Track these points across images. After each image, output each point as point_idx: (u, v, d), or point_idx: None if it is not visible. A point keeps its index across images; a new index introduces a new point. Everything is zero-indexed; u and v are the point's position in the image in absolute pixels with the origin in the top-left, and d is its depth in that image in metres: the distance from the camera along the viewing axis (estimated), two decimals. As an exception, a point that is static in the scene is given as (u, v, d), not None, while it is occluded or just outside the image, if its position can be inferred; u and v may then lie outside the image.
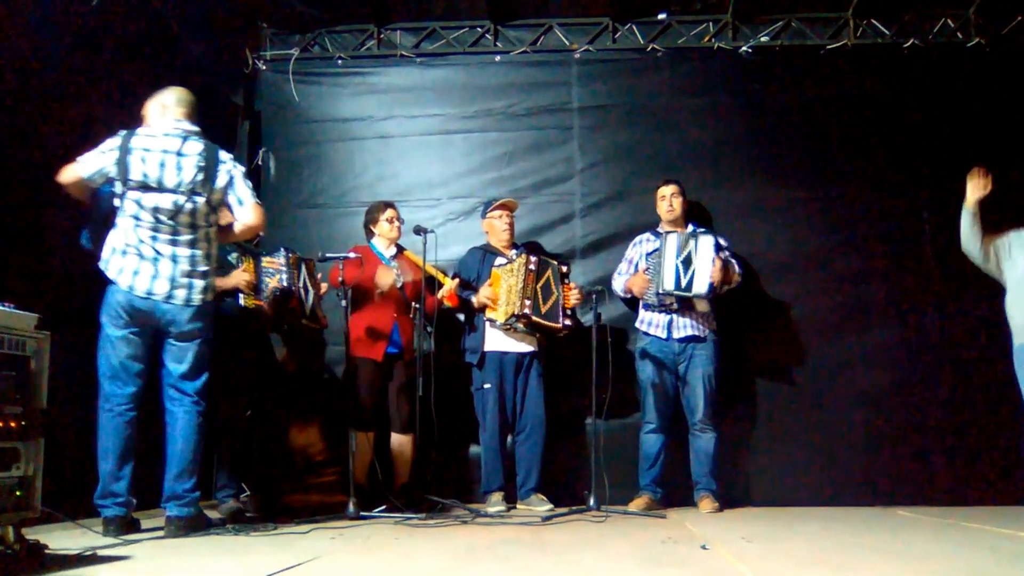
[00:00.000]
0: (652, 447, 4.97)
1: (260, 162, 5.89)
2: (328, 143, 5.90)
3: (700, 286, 4.85)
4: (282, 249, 4.73)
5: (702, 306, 4.96)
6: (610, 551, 3.24)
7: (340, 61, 5.98)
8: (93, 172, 3.65)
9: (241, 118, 5.97)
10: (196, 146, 3.74)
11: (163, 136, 3.71)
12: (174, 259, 3.69)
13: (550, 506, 4.76)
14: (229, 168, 3.80)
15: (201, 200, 3.71)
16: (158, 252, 3.67)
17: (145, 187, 3.63)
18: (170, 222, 3.68)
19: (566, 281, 5.05)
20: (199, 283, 3.75)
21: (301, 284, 4.77)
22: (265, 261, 4.67)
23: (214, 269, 3.88)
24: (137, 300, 3.63)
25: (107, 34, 4.59)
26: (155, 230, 3.67)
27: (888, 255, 5.48)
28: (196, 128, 3.80)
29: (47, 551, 2.81)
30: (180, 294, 3.69)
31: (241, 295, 4.44)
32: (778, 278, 5.47)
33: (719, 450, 4.95)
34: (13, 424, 2.76)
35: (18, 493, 2.76)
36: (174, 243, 3.70)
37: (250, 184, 3.85)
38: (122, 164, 3.63)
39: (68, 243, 3.92)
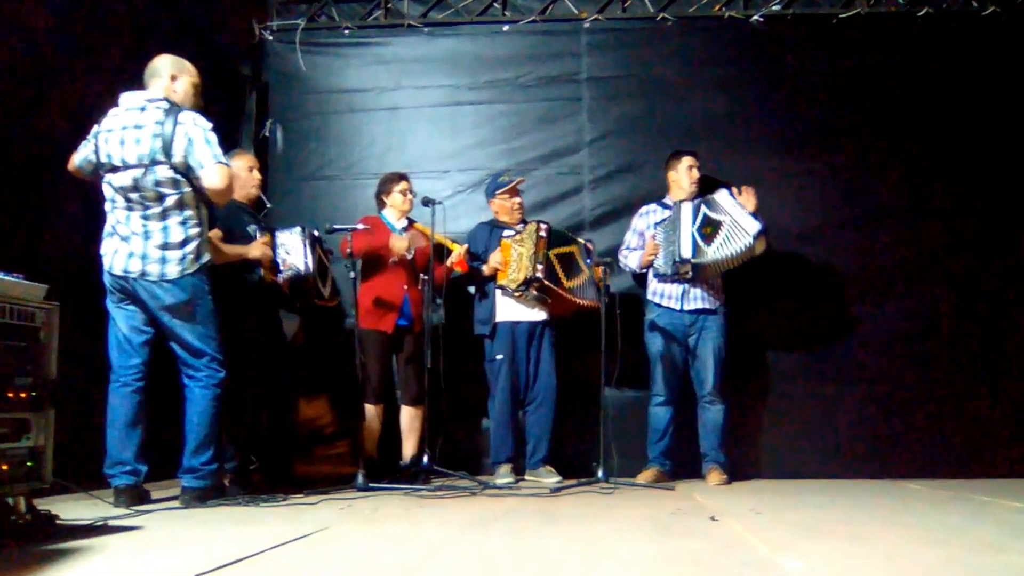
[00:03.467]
0: (661, 419, 4.96)
1: (268, 133, 5.86)
2: (335, 114, 5.86)
3: (751, 225, 4.72)
4: (298, 227, 4.73)
5: (759, 246, 4.80)
6: (618, 522, 3.24)
7: (347, 31, 5.92)
8: (80, 161, 3.72)
9: (248, 89, 5.93)
10: (154, 114, 3.61)
11: (125, 112, 3.65)
12: (146, 235, 3.62)
13: (559, 478, 4.78)
14: (187, 130, 3.59)
15: (163, 168, 3.57)
16: (132, 231, 3.63)
17: (113, 168, 3.61)
18: (137, 197, 3.60)
19: (593, 259, 5.01)
20: (175, 254, 3.64)
21: (316, 264, 4.77)
22: (281, 237, 4.67)
23: (197, 235, 3.72)
24: (119, 280, 3.64)
25: (113, 7, 4.55)
26: (128, 208, 3.63)
27: (899, 227, 5.43)
28: (158, 95, 3.68)
29: (58, 521, 2.82)
30: (153, 269, 3.62)
31: (260, 268, 4.45)
32: (788, 249, 5.41)
33: (728, 422, 4.94)
34: (23, 395, 2.77)
35: (29, 464, 2.77)
36: (146, 219, 3.62)
37: (213, 142, 3.61)
38: (96, 149, 3.65)
39: (77, 216, 3.93)
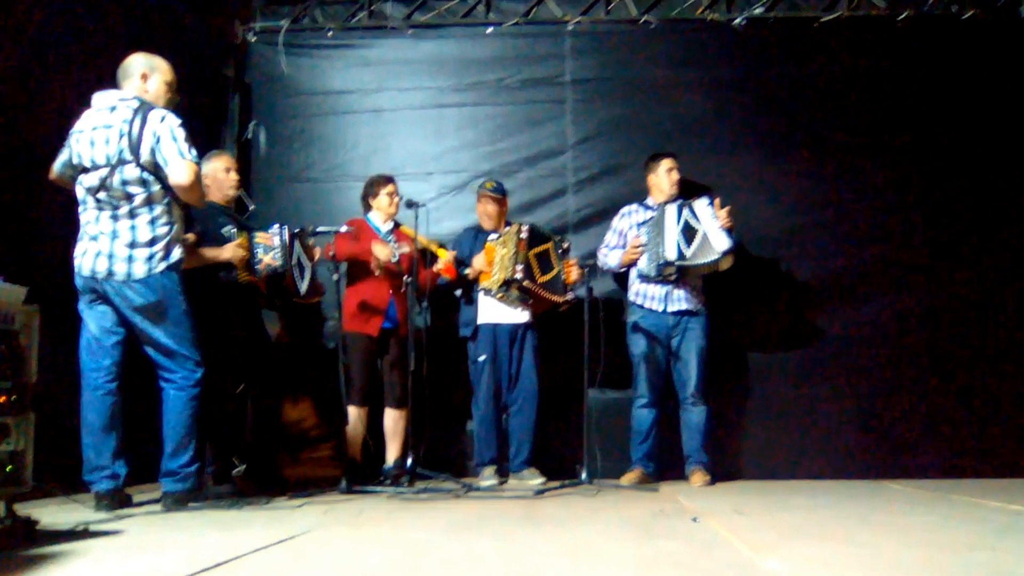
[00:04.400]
0: (644, 421, 4.97)
1: (251, 135, 5.84)
2: (319, 116, 5.85)
3: (721, 243, 4.78)
4: (276, 225, 4.69)
5: (725, 264, 4.89)
6: (602, 524, 3.25)
7: (331, 33, 5.91)
8: (59, 167, 3.69)
9: (231, 91, 5.90)
10: (123, 112, 3.58)
11: (96, 112, 3.62)
12: (113, 235, 3.59)
13: (542, 480, 4.79)
14: (155, 127, 3.54)
15: (130, 168, 3.53)
16: (101, 230, 3.60)
17: (83, 168, 3.59)
18: (105, 197, 3.57)
19: (567, 257, 5.04)
20: (142, 253, 3.60)
21: (295, 261, 4.74)
22: (259, 236, 4.63)
23: (166, 234, 3.67)
24: (89, 281, 3.61)
25: (94, 8, 4.52)
26: (98, 208, 3.61)
27: (880, 228, 5.48)
28: (128, 94, 3.65)
29: (38, 526, 2.80)
30: (120, 269, 3.58)
31: (235, 270, 4.41)
32: (770, 251, 5.46)
33: (710, 424, 4.96)
34: (3, 399, 2.74)
35: (8, 468, 2.75)
36: (114, 218, 3.60)
37: (180, 138, 3.55)
38: (69, 151, 3.63)
39: (57, 219, 3.90)
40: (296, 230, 4.77)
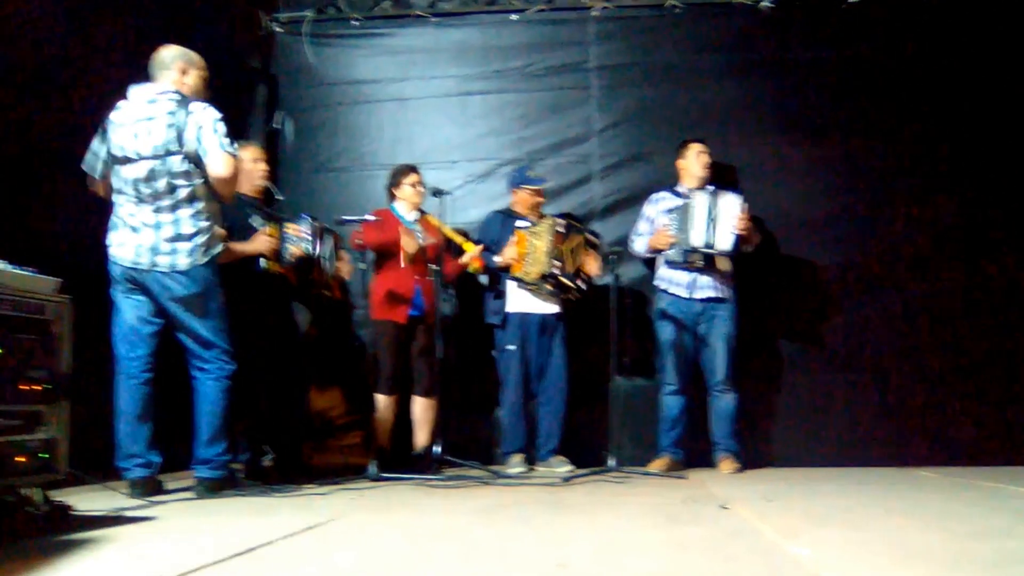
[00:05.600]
0: (672, 409, 4.96)
1: (277, 125, 5.88)
2: (344, 106, 5.86)
3: (724, 242, 4.80)
4: (306, 217, 4.73)
5: (724, 264, 4.92)
6: (629, 510, 3.25)
7: (355, 22, 5.91)
8: (88, 162, 3.71)
9: (257, 82, 5.94)
10: (166, 105, 3.62)
11: (135, 105, 3.66)
12: (157, 227, 3.63)
13: (570, 467, 4.79)
14: (198, 119, 3.60)
15: (176, 159, 3.59)
16: (143, 222, 3.64)
17: (126, 160, 3.62)
18: (148, 189, 3.61)
19: (591, 250, 5.02)
20: (185, 246, 3.64)
21: (326, 254, 4.77)
22: (289, 228, 4.67)
23: (208, 228, 3.73)
24: (128, 271, 3.65)
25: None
26: (138, 200, 3.64)
27: (910, 215, 5.39)
28: (168, 88, 3.69)
29: (73, 512, 2.86)
30: (164, 261, 3.62)
31: (264, 260, 4.45)
32: (799, 237, 5.40)
33: (739, 411, 4.94)
34: (37, 387, 2.79)
35: (44, 455, 2.80)
36: (157, 211, 3.63)
37: (221, 131, 3.61)
38: (105, 143, 3.66)
39: (87, 209, 3.94)
40: (327, 226, 4.79)
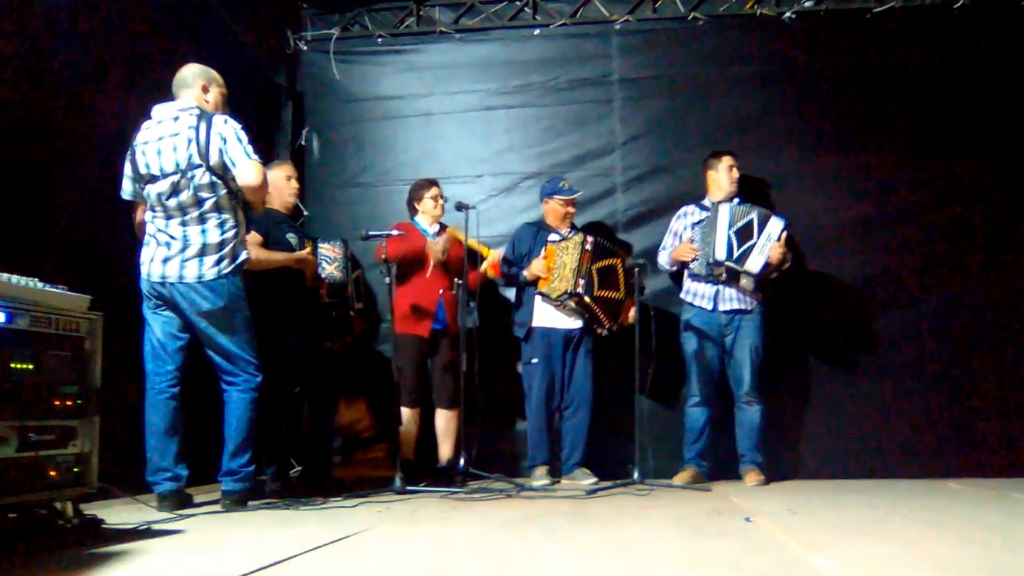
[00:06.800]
0: (697, 420, 4.95)
1: (304, 142, 5.96)
2: (370, 122, 5.93)
3: (753, 265, 4.81)
4: (341, 240, 4.88)
5: (748, 284, 4.91)
6: (653, 522, 3.25)
7: (380, 39, 5.99)
8: (125, 188, 3.83)
9: (284, 99, 6.03)
10: (188, 120, 3.67)
11: (157, 124, 3.72)
12: (185, 239, 3.68)
13: (594, 479, 4.79)
14: (220, 131, 3.65)
15: (200, 172, 3.63)
16: (171, 236, 3.69)
17: (152, 178, 3.68)
18: (175, 204, 3.67)
19: (634, 295, 4.85)
20: (211, 257, 3.69)
21: (354, 276, 4.87)
22: (323, 248, 4.77)
23: (233, 237, 3.76)
24: (156, 286, 3.71)
25: (148, 18, 4.65)
26: (167, 216, 3.70)
27: (935, 223, 5.36)
28: (190, 104, 3.75)
29: (104, 525, 2.90)
30: (190, 272, 3.66)
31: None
32: (824, 248, 5.39)
33: (765, 423, 4.91)
34: (69, 403, 2.86)
35: (75, 469, 2.86)
36: (184, 224, 3.68)
37: (244, 140, 3.66)
38: (134, 164, 3.73)
39: (119, 225, 4.02)
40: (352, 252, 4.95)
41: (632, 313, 4.92)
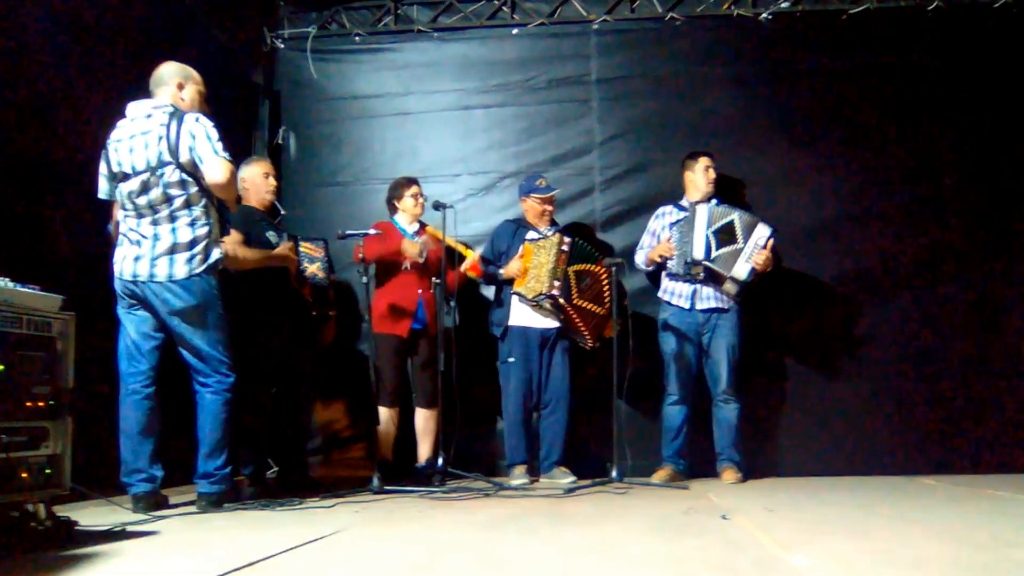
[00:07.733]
0: (675, 419, 4.97)
1: (281, 141, 5.92)
2: (347, 120, 5.91)
3: (740, 271, 4.84)
4: (322, 240, 4.88)
5: (731, 289, 4.92)
6: (632, 522, 3.25)
7: (358, 38, 5.96)
8: (101, 187, 3.79)
9: (261, 97, 5.99)
10: (160, 118, 3.64)
11: (131, 122, 3.69)
12: (155, 238, 3.64)
13: (573, 479, 4.79)
14: (191, 128, 3.61)
15: (170, 169, 3.59)
16: (142, 235, 3.66)
17: (124, 176, 3.65)
18: (145, 202, 3.63)
19: (621, 313, 4.86)
20: (182, 256, 3.65)
21: (334, 275, 4.88)
22: (304, 247, 4.74)
23: (205, 236, 3.72)
24: (129, 285, 3.67)
25: (124, 16, 4.59)
26: (138, 215, 3.67)
27: (912, 223, 5.41)
28: (165, 102, 3.72)
29: (77, 527, 2.87)
30: (161, 271, 3.63)
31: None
32: (801, 247, 5.41)
33: (742, 421, 4.94)
34: (41, 404, 2.81)
35: (47, 471, 2.82)
36: (155, 223, 3.65)
37: (214, 137, 3.61)
38: (107, 162, 3.70)
39: (92, 225, 3.98)
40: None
41: (611, 330, 4.87)
